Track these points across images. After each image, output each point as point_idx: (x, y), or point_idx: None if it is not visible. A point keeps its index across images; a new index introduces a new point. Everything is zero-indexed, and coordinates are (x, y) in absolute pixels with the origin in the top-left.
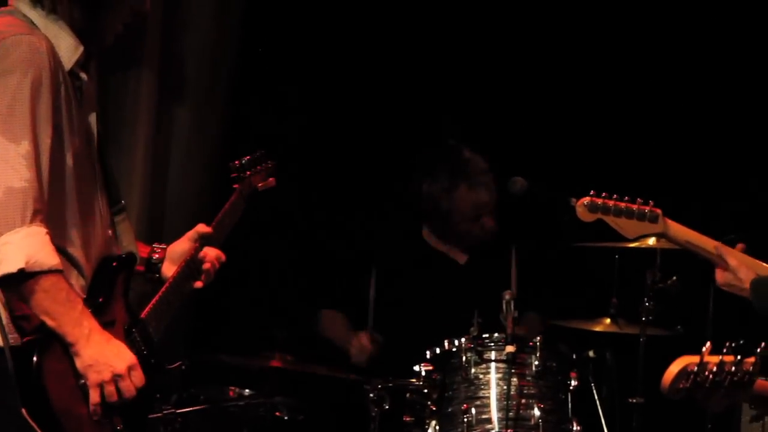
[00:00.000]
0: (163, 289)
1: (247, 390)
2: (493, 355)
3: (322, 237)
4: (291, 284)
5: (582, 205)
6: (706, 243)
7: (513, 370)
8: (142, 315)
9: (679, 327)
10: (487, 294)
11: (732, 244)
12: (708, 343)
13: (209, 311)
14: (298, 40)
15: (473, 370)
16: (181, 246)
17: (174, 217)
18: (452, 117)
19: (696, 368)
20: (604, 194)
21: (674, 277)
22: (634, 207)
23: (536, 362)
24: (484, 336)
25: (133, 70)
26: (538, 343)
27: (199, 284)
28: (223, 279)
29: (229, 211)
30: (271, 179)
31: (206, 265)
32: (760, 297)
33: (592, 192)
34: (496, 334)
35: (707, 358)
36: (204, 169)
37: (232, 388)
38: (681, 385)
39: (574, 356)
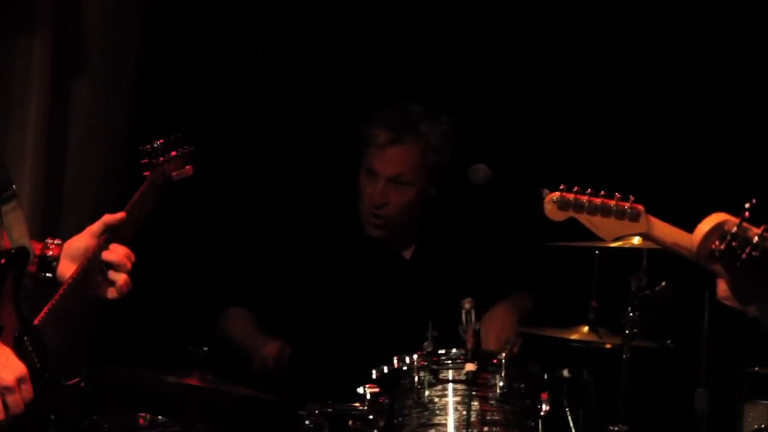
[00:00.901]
0: (60, 291)
1: (160, 416)
2: (450, 374)
3: (244, 226)
4: (209, 289)
5: (551, 201)
6: None
7: (474, 393)
8: (36, 322)
9: (669, 341)
10: (441, 298)
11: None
12: (749, 203)
13: (115, 321)
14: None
15: (427, 393)
16: (81, 241)
17: (73, 208)
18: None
19: (735, 229)
20: (576, 188)
21: (663, 283)
22: (612, 203)
23: (501, 383)
24: (439, 352)
25: (23, 36)
26: (503, 361)
27: (112, 293)
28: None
29: (138, 203)
30: (188, 167)
31: (116, 277)
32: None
33: (562, 186)
34: (454, 350)
35: (747, 225)
36: (108, 153)
37: (143, 414)
38: (713, 246)
39: (546, 376)
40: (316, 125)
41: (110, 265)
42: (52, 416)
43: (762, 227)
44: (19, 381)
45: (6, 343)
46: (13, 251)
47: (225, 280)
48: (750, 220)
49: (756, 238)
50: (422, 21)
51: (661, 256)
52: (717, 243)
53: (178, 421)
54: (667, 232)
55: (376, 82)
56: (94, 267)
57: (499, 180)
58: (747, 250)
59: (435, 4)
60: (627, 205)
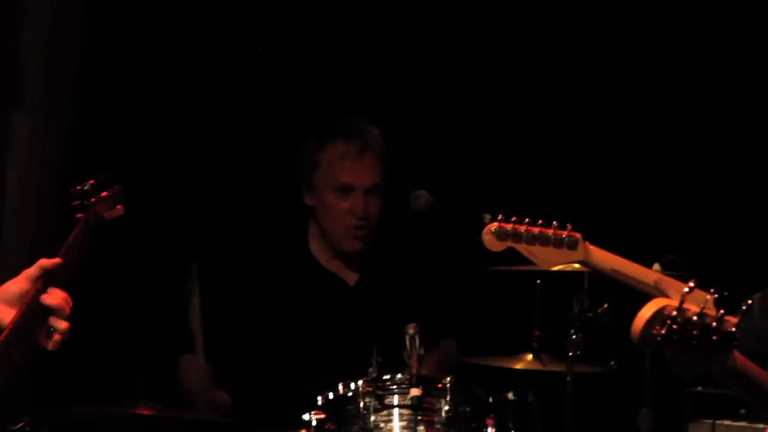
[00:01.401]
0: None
1: None
2: (395, 399)
3: (182, 255)
4: (151, 320)
5: (489, 232)
6: (638, 271)
7: (419, 417)
8: None
9: (612, 363)
10: (385, 324)
11: (672, 266)
12: (691, 282)
13: (54, 359)
14: (158, 36)
15: (373, 418)
16: (17, 285)
17: (10, 248)
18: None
19: (675, 313)
20: (513, 219)
21: (605, 305)
22: (549, 232)
23: (446, 407)
24: (384, 377)
25: None
26: (448, 385)
27: (54, 342)
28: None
29: (72, 246)
30: (118, 207)
31: (57, 324)
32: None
33: (500, 216)
34: (399, 375)
35: (687, 305)
36: (45, 190)
37: None
38: (654, 331)
39: (491, 399)
40: (242, 156)
41: (50, 311)
42: None
43: (701, 305)
44: None
45: None
46: None
47: (173, 328)
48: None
49: (695, 317)
50: (347, 41)
51: (603, 278)
52: (657, 328)
53: None
54: (605, 259)
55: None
56: (33, 312)
57: (440, 206)
58: (687, 330)
59: (361, 20)
60: (564, 233)
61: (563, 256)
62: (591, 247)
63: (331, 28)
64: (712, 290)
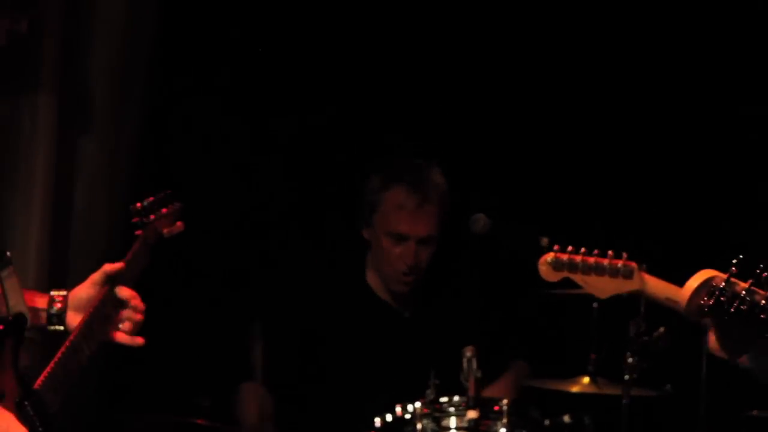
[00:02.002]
0: (59, 353)
1: None
2: (452, 422)
3: (243, 286)
4: (214, 342)
5: (545, 263)
6: None
7: None
8: (36, 385)
9: (668, 386)
10: (442, 349)
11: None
12: (737, 259)
13: (117, 376)
14: (222, 59)
15: None
16: (84, 291)
17: (80, 263)
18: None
19: (723, 284)
20: (570, 248)
21: (662, 329)
22: (605, 262)
23: (503, 430)
24: (441, 400)
25: (29, 95)
26: (505, 408)
27: (126, 327)
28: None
29: (132, 262)
30: (178, 223)
31: (131, 315)
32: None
33: (556, 247)
34: (456, 398)
35: (735, 280)
36: (113, 207)
37: None
38: (702, 301)
39: (547, 422)
40: (305, 180)
41: (118, 308)
42: None
43: (749, 282)
44: None
45: (8, 409)
46: (10, 318)
47: (233, 355)
48: (738, 275)
49: (743, 293)
50: (410, 70)
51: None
52: (706, 299)
53: None
54: (660, 288)
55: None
56: (100, 312)
57: (498, 229)
58: (735, 305)
59: (420, 53)
60: (620, 263)
61: (619, 286)
62: (647, 276)
63: (385, 54)
64: (762, 265)
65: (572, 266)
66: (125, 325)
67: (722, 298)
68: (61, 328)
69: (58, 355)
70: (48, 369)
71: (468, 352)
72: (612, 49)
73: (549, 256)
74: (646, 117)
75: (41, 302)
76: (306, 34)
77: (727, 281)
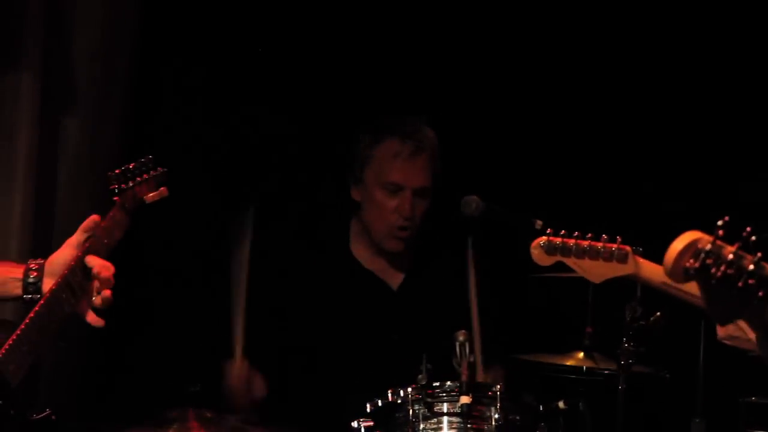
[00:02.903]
0: (23, 323)
1: None
2: (445, 407)
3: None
4: (201, 324)
5: (538, 246)
6: (689, 284)
7: (469, 425)
8: None
9: (665, 371)
10: (433, 329)
11: None
12: (722, 221)
13: (103, 360)
14: (206, 36)
15: (422, 426)
16: (61, 255)
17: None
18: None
19: (709, 246)
20: (563, 232)
21: (658, 313)
22: (599, 245)
23: (496, 415)
24: (434, 385)
25: (11, 73)
26: (498, 393)
27: (98, 301)
28: (118, 320)
29: (106, 228)
30: (162, 189)
31: (105, 293)
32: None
33: (549, 230)
34: (448, 383)
35: (721, 243)
36: (97, 188)
37: None
38: (688, 264)
39: (542, 408)
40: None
41: (91, 275)
42: None
43: (736, 245)
44: None
45: None
46: None
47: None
48: (724, 239)
49: (731, 256)
50: (407, 47)
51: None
52: (691, 261)
53: None
54: (655, 272)
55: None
56: (67, 285)
57: (492, 211)
58: (722, 268)
59: (420, 28)
60: (614, 246)
61: (613, 270)
62: (641, 260)
63: (387, 30)
64: (747, 229)
65: (565, 250)
66: (95, 300)
67: (708, 261)
68: (38, 296)
69: (22, 326)
70: (9, 341)
71: (461, 337)
72: (606, 37)
73: (541, 240)
74: (639, 102)
75: (17, 272)
76: (297, 9)
77: (713, 243)
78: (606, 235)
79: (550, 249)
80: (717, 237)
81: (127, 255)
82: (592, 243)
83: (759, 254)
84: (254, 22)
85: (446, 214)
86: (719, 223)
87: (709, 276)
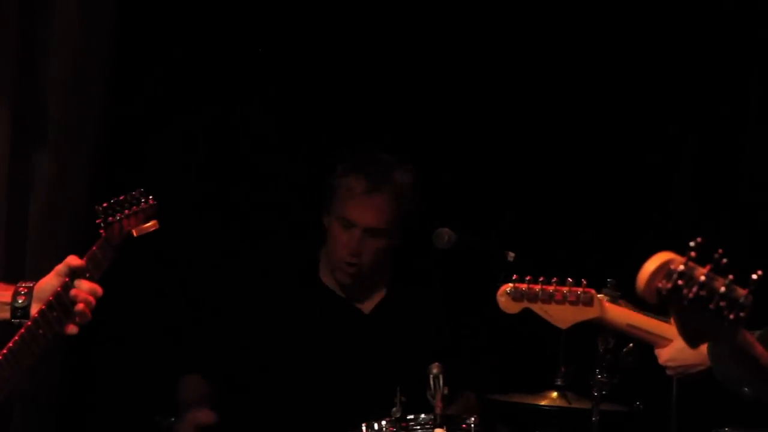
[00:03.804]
0: (10, 343)
1: None
2: None
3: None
4: (173, 355)
5: (504, 294)
6: (655, 325)
7: None
8: None
9: (638, 403)
10: (406, 358)
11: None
12: (695, 242)
13: (80, 388)
14: (180, 70)
15: None
16: (49, 283)
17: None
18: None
19: (682, 267)
20: (528, 278)
21: (630, 345)
22: (564, 290)
23: None
24: (408, 417)
25: None
26: (473, 425)
27: (72, 329)
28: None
29: (90, 261)
30: (152, 222)
31: (79, 306)
32: (722, 363)
33: (514, 276)
34: (422, 415)
35: (694, 264)
36: (69, 223)
37: None
38: (660, 284)
39: None
40: (268, 173)
41: (75, 302)
42: None
43: (708, 266)
44: None
45: None
46: None
47: (180, 348)
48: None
49: (702, 278)
50: (386, 76)
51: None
52: (663, 281)
53: None
54: (620, 314)
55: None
56: (56, 306)
57: (464, 243)
58: (693, 290)
59: (398, 60)
60: (579, 290)
61: (579, 314)
62: (606, 303)
63: (367, 58)
64: (720, 251)
65: (532, 296)
66: (78, 318)
67: (680, 282)
68: (27, 320)
69: (9, 345)
70: None
71: (434, 369)
72: (582, 68)
73: (507, 287)
74: (613, 135)
75: (5, 296)
76: (283, 30)
77: (686, 264)
78: (571, 278)
79: (516, 296)
80: (690, 258)
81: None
82: (558, 287)
83: (731, 276)
84: (233, 52)
85: (419, 247)
86: (691, 244)
87: (681, 297)
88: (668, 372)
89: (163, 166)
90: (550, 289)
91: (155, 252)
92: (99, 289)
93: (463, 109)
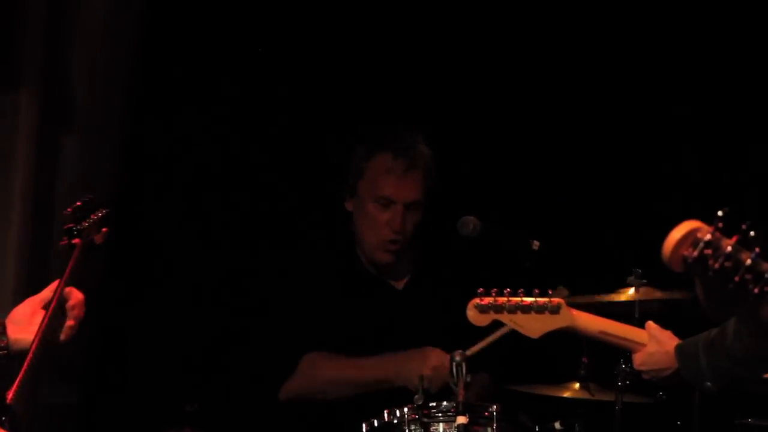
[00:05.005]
0: (27, 360)
1: None
2: (441, 427)
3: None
4: (199, 343)
5: (472, 308)
6: (625, 330)
7: None
8: (8, 400)
9: (661, 393)
10: (436, 330)
11: None
12: (722, 211)
13: (107, 378)
14: (204, 57)
15: None
16: (24, 309)
17: (59, 265)
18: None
19: (708, 237)
20: (494, 291)
21: None
22: (530, 301)
23: None
24: (430, 405)
25: (10, 93)
26: (494, 413)
27: (66, 332)
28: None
29: (71, 278)
30: (104, 230)
31: (70, 322)
32: (686, 360)
33: (480, 290)
34: (444, 403)
35: (720, 235)
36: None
37: None
38: (686, 252)
39: (537, 428)
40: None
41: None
42: None
43: (735, 238)
44: None
45: None
46: None
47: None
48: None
49: (729, 249)
50: (402, 59)
51: (654, 308)
52: (690, 250)
53: None
54: (591, 322)
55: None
56: (57, 315)
57: (488, 232)
58: (719, 261)
59: (417, 44)
60: (545, 300)
61: (549, 323)
62: (575, 311)
63: (387, 40)
64: (743, 226)
65: (497, 308)
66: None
67: (706, 252)
68: (5, 352)
69: (27, 363)
70: (18, 379)
71: (457, 357)
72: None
73: (474, 302)
74: (637, 116)
75: None
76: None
77: (713, 234)
78: (538, 289)
79: (483, 309)
80: (717, 228)
81: (124, 272)
82: (523, 299)
83: (757, 249)
84: (254, 34)
85: (446, 236)
86: (719, 213)
87: (707, 267)
88: (643, 376)
89: (186, 150)
90: (515, 300)
91: (198, 236)
92: (81, 303)
93: (488, 102)
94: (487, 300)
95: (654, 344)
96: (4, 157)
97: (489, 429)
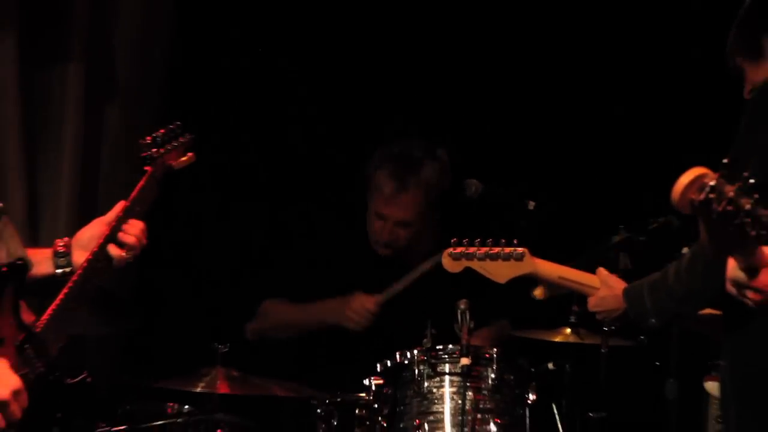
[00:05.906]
0: (61, 295)
1: (186, 406)
2: (447, 367)
3: (263, 236)
4: (232, 287)
5: (447, 256)
6: (582, 276)
7: (468, 384)
8: (37, 328)
9: (642, 337)
10: (440, 301)
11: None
12: (727, 160)
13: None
14: (238, 32)
15: (426, 384)
16: (90, 230)
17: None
18: (405, 117)
19: (714, 182)
20: (465, 240)
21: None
22: (497, 250)
23: (493, 375)
24: (437, 348)
25: (59, 65)
26: (494, 355)
27: (121, 254)
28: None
29: (137, 199)
30: (189, 154)
31: (130, 239)
32: (632, 301)
33: (453, 240)
34: (450, 346)
35: (724, 181)
36: (135, 172)
37: (171, 404)
38: (693, 195)
39: (533, 369)
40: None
41: (124, 246)
42: (59, 415)
43: (738, 184)
44: (15, 394)
45: (6, 354)
46: (10, 263)
47: (249, 283)
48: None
49: (731, 193)
50: (412, 44)
51: (638, 257)
52: (696, 193)
53: (201, 411)
54: (551, 269)
55: (368, 99)
56: (105, 256)
57: (489, 193)
58: (722, 204)
59: (420, 31)
60: (511, 249)
61: (514, 269)
62: (537, 259)
63: (394, 21)
64: (745, 174)
65: (469, 256)
66: (128, 251)
67: (711, 195)
68: (69, 269)
69: (60, 297)
70: (49, 311)
71: (462, 305)
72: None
73: (448, 250)
74: (629, 83)
75: (47, 252)
76: (321, 17)
77: (717, 180)
78: (505, 239)
79: (456, 257)
80: (721, 174)
81: (163, 222)
82: (491, 248)
83: (756, 196)
84: (290, 13)
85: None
86: (724, 161)
87: (711, 210)
88: (597, 317)
89: (222, 122)
90: (484, 249)
91: (234, 196)
92: (144, 226)
93: (492, 75)
94: (460, 249)
95: (605, 288)
96: (56, 123)
97: (489, 369)
